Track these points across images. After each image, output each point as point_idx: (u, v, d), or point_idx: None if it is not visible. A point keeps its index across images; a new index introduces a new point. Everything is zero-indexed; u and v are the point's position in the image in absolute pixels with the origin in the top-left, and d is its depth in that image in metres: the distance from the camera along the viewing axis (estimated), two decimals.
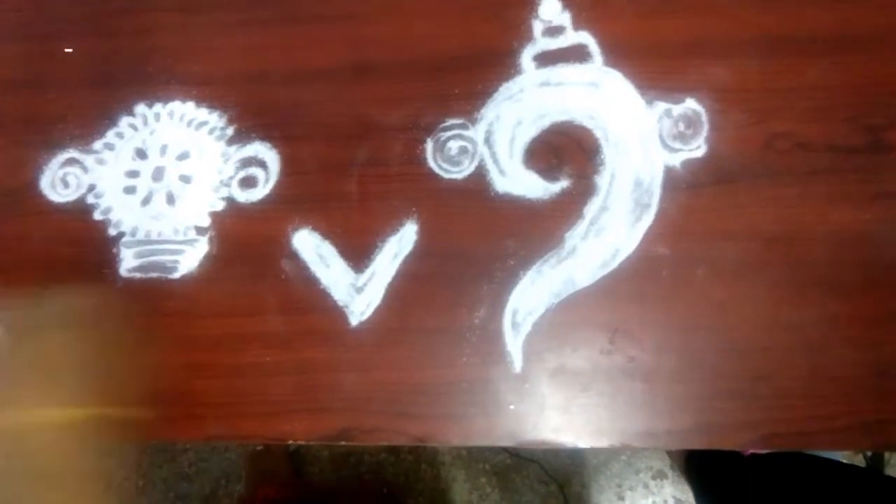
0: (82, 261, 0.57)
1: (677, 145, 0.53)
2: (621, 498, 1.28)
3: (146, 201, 0.57)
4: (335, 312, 0.53)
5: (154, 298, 0.55)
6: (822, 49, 0.52)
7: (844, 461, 0.79)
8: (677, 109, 0.53)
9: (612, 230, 0.52)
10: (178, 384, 0.53)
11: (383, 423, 0.51)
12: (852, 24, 0.52)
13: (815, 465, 0.81)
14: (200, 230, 0.56)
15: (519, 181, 0.54)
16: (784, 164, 0.51)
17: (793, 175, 0.51)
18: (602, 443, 0.49)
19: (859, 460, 1.13)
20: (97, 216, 0.58)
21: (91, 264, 0.56)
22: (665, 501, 1.27)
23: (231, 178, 0.57)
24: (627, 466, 1.28)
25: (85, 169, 0.59)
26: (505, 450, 1.31)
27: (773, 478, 0.85)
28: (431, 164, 0.55)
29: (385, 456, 1.34)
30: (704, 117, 0.53)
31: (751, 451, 1.08)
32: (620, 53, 0.55)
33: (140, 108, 0.59)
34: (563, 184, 0.53)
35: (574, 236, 0.53)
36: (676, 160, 0.53)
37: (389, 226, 0.54)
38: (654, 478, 1.28)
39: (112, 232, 0.57)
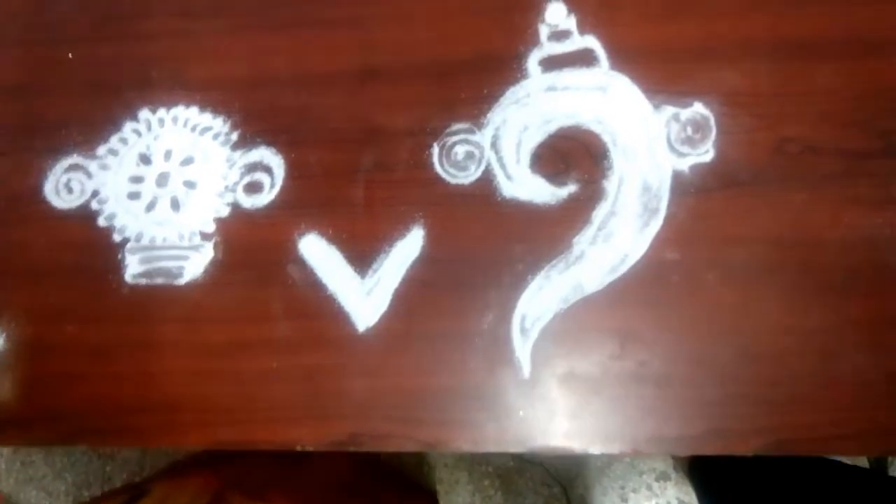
0: (87, 267, 0.56)
1: (685, 150, 0.53)
2: (624, 500, 1.28)
3: (150, 207, 0.57)
4: (342, 318, 0.53)
5: (160, 304, 0.55)
6: (834, 53, 0.52)
7: (847, 462, 0.79)
8: (685, 114, 0.53)
9: (621, 235, 0.52)
10: (186, 390, 0.53)
11: (392, 429, 0.51)
12: (864, 27, 0.52)
13: (819, 466, 0.81)
14: (206, 236, 0.56)
15: (526, 186, 0.54)
16: (794, 169, 0.51)
17: (803, 180, 0.51)
18: (613, 449, 0.49)
19: (862, 462, 1.13)
20: (101, 222, 0.57)
21: (96, 270, 0.56)
22: (668, 503, 1.27)
23: (236, 183, 0.57)
24: (631, 468, 1.28)
25: (89, 175, 0.58)
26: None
27: (776, 479, 0.84)
28: (438, 169, 0.55)
29: (387, 457, 1.34)
30: (713, 121, 0.52)
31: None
32: (627, 57, 0.54)
33: (144, 114, 0.59)
34: (570, 188, 0.53)
35: (582, 241, 0.52)
36: (685, 164, 0.52)
37: (396, 231, 0.54)
38: (657, 479, 1.27)
39: (116, 238, 0.57)
